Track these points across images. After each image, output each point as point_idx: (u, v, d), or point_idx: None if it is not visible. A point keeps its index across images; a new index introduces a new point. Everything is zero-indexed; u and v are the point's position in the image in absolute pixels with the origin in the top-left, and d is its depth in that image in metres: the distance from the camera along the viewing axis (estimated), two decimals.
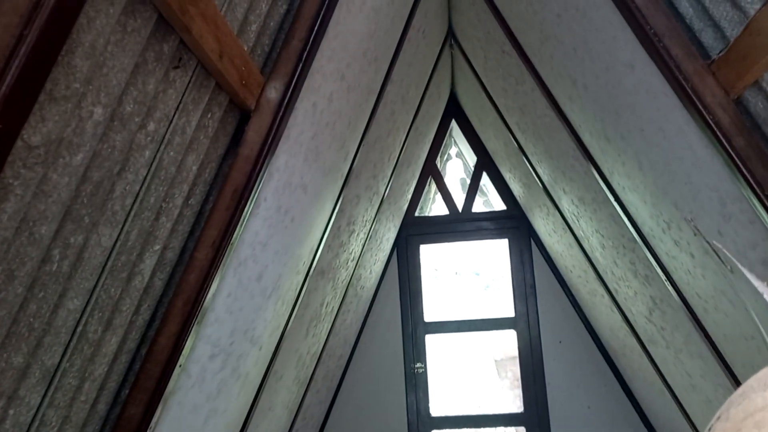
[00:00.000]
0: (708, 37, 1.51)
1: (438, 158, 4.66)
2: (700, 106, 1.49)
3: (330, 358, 3.53)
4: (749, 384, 0.58)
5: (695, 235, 1.67)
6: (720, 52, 1.46)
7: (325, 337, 3.21)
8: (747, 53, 1.36)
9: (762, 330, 0.73)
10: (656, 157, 1.80)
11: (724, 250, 1.27)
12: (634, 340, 3.21)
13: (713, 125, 1.48)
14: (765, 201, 1.45)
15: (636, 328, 3.07)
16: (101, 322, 1.39)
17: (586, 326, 4.21)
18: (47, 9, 0.86)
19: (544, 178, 3.22)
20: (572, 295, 4.24)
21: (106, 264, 1.34)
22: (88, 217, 1.21)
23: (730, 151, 1.46)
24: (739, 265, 0.79)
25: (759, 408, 0.51)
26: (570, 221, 3.22)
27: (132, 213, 1.36)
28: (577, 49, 1.92)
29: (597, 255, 3.04)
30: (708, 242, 1.47)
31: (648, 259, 2.34)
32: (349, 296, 3.45)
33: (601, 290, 3.33)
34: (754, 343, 1.74)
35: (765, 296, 0.69)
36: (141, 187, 1.36)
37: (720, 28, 1.46)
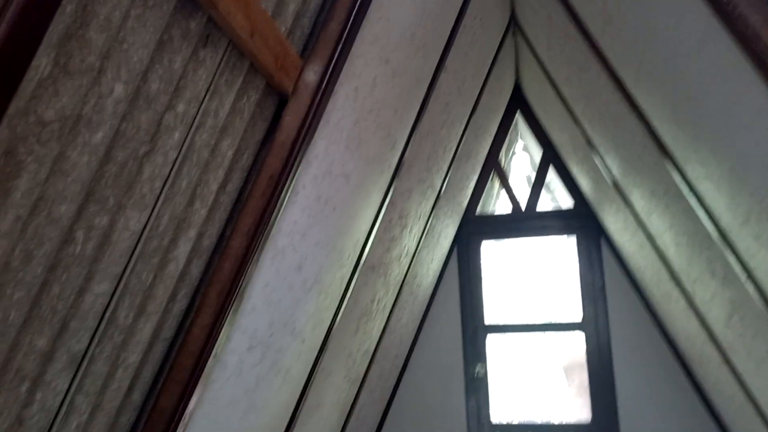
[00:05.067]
0: None
1: (502, 154, 4.50)
2: None
3: (384, 357, 3.45)
4: None
5: None
6: None
7: (378, 336, 3.13)
8: None
9: None
10: (732, 142, 1.62)
11: None
12: (712, 348, 2.96)
13: None
14: None
15: (714, 334, 2.83)
16: (132, 307, 1.36)
17: (661, 332, 3.93)
18: None
19: (613, 171, 3.02)
20: (646, 298, 3.98)
21: (135, 248, 1.31)
22: (113, 198, 1.18)
23: None
24: None
25: None
26: (642, 217, 3.01)
27: (162, 196, 1.33)
28: (643, 27, 1.76)
29: (671, 254, 2.82)
30: None
31: (725, 258, 2.13)
32: (405, 294, 3.36)
33: (676, 293, 3.10)
34: None
35: None
36: (171, 170, 1.33)
37: None
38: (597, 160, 3.18)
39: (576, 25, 2.35)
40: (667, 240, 2.75)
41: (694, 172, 1.99)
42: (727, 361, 2.82)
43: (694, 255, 2.49)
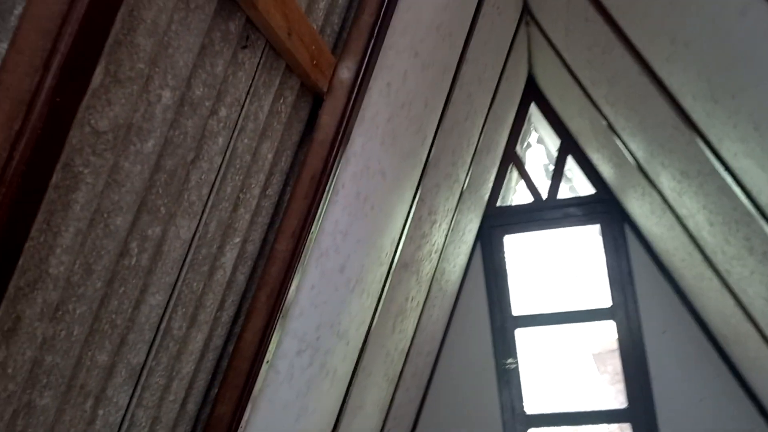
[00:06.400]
0: None
1: (518, 145, 4.47)
2: None
3: (418, 355, 3.43)
4: None
5: None
6: None
7: (412, 333, 3.11)
8: None
9: None
10: None
11: None
12: (749, 326, 2.92)
13: None
14: None
15: (752, 312, 2.79)
16: (185, 318, 1.35)
17: (692, 314, 3.88)
18: None
19: (638, 155, 2.99)
20: (675, 281, 3.93)
21: (186, 257, 1.30)
22: (164, 207, 1.16)
23: None
24: None
25: None
26: (670, 199, 2.97)
27: (209, 203, 1.31)
28: (675, 1, 1.73)
29: (704, 234, 2.78)
30: None
31: (766, 234, 2.09)
32: (434, 291, 3.33)
33: (710, 273, 3.05)
34: None
35: None
36: (216, 177, 1.31)
37: None
38: (620, 144, 3.14)
39: (597, 7, 2.32)
40: (700, 220, 2.71)
41: (731, 149, 1.95)
42: (766, 338, 2.78)
43: (731, 233, 2.45)
